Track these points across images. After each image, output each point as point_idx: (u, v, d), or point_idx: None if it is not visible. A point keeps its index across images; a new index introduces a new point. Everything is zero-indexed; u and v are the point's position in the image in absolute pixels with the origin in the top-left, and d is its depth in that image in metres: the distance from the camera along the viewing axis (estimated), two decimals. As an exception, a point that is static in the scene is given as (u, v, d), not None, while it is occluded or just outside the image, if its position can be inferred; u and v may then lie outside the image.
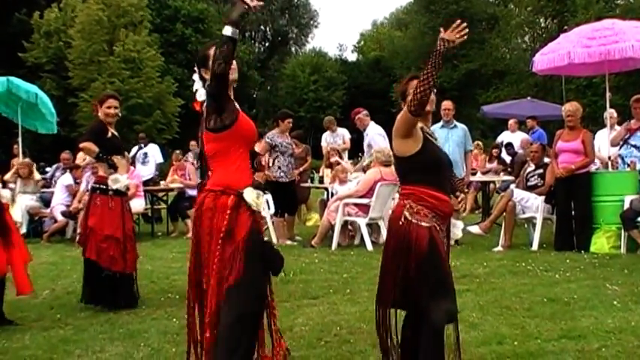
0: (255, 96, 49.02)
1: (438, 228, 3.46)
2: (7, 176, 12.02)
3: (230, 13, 3.36)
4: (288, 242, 9.91)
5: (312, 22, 60.37)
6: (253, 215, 3.39)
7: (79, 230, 10.77)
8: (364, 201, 9.22)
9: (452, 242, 3.83)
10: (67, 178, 11.66)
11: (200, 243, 3.43)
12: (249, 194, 3.34)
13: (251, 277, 3.30)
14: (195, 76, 3.59)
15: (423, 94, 3.31)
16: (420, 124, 3.52)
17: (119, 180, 6.07)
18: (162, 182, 13.26)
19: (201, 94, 3.55)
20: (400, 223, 3.44)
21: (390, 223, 3.66)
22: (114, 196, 6.10)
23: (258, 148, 10.31)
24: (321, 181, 12.83)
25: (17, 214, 10.95)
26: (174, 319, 5.47)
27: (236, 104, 3.50)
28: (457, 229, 3.84)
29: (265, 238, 3.73)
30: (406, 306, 3.54)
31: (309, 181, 13.10)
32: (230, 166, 3.43)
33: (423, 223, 3.40)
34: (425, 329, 3.35)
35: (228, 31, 3.27)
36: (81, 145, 6.23)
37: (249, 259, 3.30)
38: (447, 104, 9.51)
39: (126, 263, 6.09)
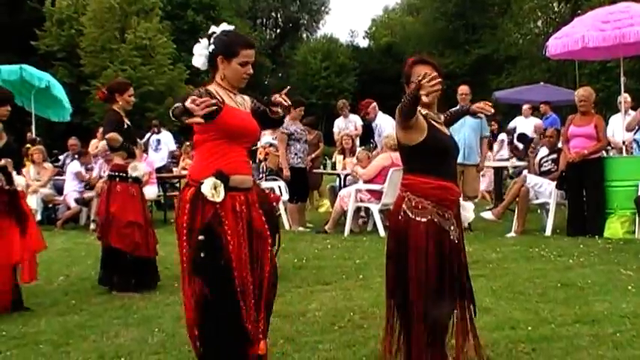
0: (266, 83, 48.96)
1: (439, 219, 3.40)
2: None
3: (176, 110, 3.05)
4: (301, 228, 9.92)
5: (323, 8, 60.19)
6: (217, 205, 3.26)
7: (93, 218, 10.86)
8: (377, 187, 9.21)
9: (465, 225, 3.77)
10: (75, 166, 11.71)
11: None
12: (206, 184, 3.23)
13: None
14: (204, 43, 3.41)
15: (403, 108, 3.27)
16: (424, 111, 3.46)
17: (138, 168, 6.16)
18: (174, 169, 13.31)
19: (196, 61, 3.44)
20: (399, 217, 3.42)
21: (390, 215, 3.65)
22: (133, 184, 6.17)
23: (277, 139, 10.34)
24: (334, 167, 12.81)
25: (32, 201, 11.02)
26: (188, 305, 5.50)
27: (234, 98, 3.42)
28: (467, 211, 3.75)
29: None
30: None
31: (321, 167, 13.08)
32: (202, 158, 3.37)
33: (421, 218, 3.37)
34: (416, 322, 3.35)
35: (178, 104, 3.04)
36: (107, 137, 6.26)
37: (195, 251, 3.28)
38: (463, 89, 9.45)
39: (149, 247, 6.21)
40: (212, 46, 3.39)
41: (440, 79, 3.23)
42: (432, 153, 3.43)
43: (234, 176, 3.33)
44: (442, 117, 3.72)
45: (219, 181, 3.25)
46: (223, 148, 3.34)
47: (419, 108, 3.35)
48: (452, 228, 3.45)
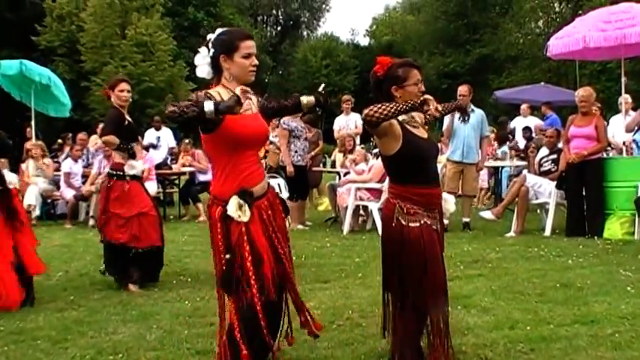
0: (267, 80, 48.93)
1: (430, 221, 3.50)
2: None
3: (227, 102, 3.08)
4: (300, 226, 9.92)
5: (324, 6, 60.12)
6: (250, 223, 3.28)
7: (92, 213, 10.87)
8: (376, 185, 9.20)
9: (446, 216, 3.84)
10: (67, 164, 11.74)
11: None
12: (231, 206, 3.23)
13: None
14: (203, 52, 3.41)
15: (373, 119, 3.29)
16: (401, 117, 3.48)
17: (135, 166, 6.16)
18: (174, 166, 13.30)
19: (202, 71, 3.44)
20: (393, 224, 3.48)
21: (383, 221, 3.69)
22: (131, 181, 6.17)
23: (278, 136, 10.34)
24: (333, 165, 12.81)
25: (31, 197, 11.02)
26: (187, 302, 5.50)
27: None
28: (448, 203, 3.81)
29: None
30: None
31: (320, 165, 13.08)
32: (220, 173, 3.35)
33: (414, 223, 3.44)
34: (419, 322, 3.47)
35: (209, 106, 3.01)
36: (102, 139, 6.34)
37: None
38: (462, 90, 9.43)
39: (157, 235, 6.23)
40: (212, 50, 3.38)
41: (420, 87, 3.51)
42: (409, 161, 3.49)
43: (255, 187, 3.35)
44: (418, 118, 3.70)
45: (242, 201, 3.25)
46: (236, 158, 3.32)
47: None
48: (437, 225, 3.58)
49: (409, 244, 3.42)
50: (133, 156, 6.20)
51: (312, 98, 3.76)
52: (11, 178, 5.67)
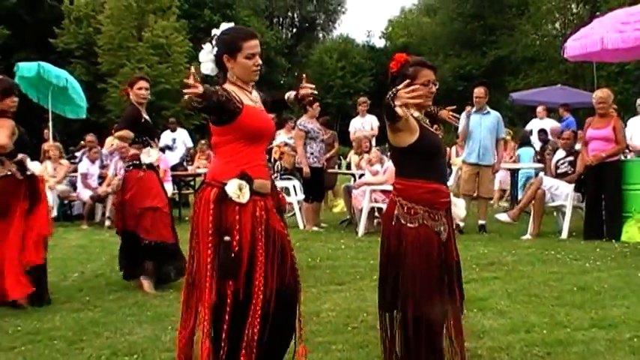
0: (282, 82, 48.97)
1: (430, 222, 3.42)
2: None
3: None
4: (315, 228, 9.91)
5: (339, 8, 60.04)
6: (242, 208, 3.20)
7: (107, 214, 10.92)
8: (391, 188, 9.16)
9: (458, 222, 3.77)
10: (84, 166, 11.81)
11: (191, 236, 3.32)
12: (231, 185, 3.18)
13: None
14: (207, 48, 3.37)
15: (386, 111, 3.26)
16: (416, 113, 3.48)
17: (151, 153, 6.20)
18: (189, 167, 13.35)
19: (205, 68, 3.40)
20: (392, 223, 3.45)
21: (383, 219, 3.66)
22: (147, 170, 6.21)
23: (294, 137, 10.33)
24: (348, 167, 12.79)
25: (48, 197, 11.08)
26: (202, 303, 5.50)
27: (250, 96, 3.35)
28: (459, 208, 3.75)
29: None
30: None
31: (335, 167, 13.07)
32: (223, 159, 3.30)
33: (413, 224, 3.39)
34: (408, 325, 3.35)
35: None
36: (117, 134, 6.37)
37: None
38: (478, 92, 9.39)
39: (169, 232, 6.23)
40: (215, 49, 3.33)
41: (430, 88, 3.44)
42: (423, 154, 3.46)
43: (256, 180, 3.28)
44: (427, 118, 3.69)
45: (244, 182, 3.20)
46: (243, 150, 3.27)
47: (411, 110, 3.40)
48: (442, 229, 3.47)
49: (405, 246, 3.37)
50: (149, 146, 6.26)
51: (292, 93, 3.77)
52: (34, 167, 5.72)
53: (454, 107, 4.23)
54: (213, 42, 3.35)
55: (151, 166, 6.26)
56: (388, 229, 3.48)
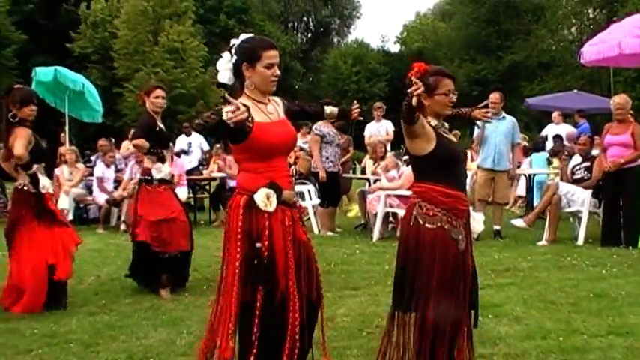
0: (297, 87, 49.06)
1: (448, 227, 3.41)
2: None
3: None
4: (330, 233, 9.91)
5: (354, 12, 60.14)
6: (272, 215, 3.26)
7: (123, 218, 10.98)
8: (406, 193, 9.14)
9: (474, 236, 3.76)
10: (100, 169, 11.88)
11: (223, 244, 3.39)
12: (259, 194, 3.23)
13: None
14: (226, 57, 3.39)
15: (403, 114, 3.26)
16: (434, 122, 3.49)
17: (162, 170, 6.20)
18: (204, 171, 13.38)
19: (223, 77, 3.42)
20: (410, 224, 3.45)
21: (401, 221, 3.66)
22: (159, 185, 6.23)
23: (309, 141, 10.34)
24: (363, 172, 12.78)
25: (64, 201, 11.16)
26: (217, 307, 5.51)
27: (265, 109, 3.35)
28: (477, 222, 3.74)
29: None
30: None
31: (350, 172, 13.06)
32: (247, 171, 3.34)
33: (431, 225, 3.39)
34: (421, 327, 3.33)
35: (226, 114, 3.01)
36: (133, 143, 6.42)
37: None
38: (493, 97, 9.34)
39: (186, 241, 6.27)
40: (234, 57, 3.35)
41: (450, 98, 3.48)
42: (441, 162, 3.46)
43: (283, 191, 3.33)
44: (447, 125, 3.70)
45: (271, 192, 3.25)
46: (265, 165, 3.31)
47: (428, 118, 3.43)
48: (460, 237, 3.45)
49: (422, 246, 3.37)
50: (162, 161, 6.26)
51: (335, 110, 3.80)
52: (45, 183, 5.75)
53: (485, 103, 4.23)
54: (233, 51, 3.37)
55: (162, 181, 6.27)
56: (406, 230, 3.48)
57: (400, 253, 3.50)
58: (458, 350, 3.45)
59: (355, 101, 3.95)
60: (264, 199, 3.23)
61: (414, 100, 3.16)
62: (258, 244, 3.20)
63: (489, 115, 4.14)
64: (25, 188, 5.60)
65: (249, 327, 3.17)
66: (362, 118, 3.91)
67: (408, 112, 3.23)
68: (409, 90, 3.16)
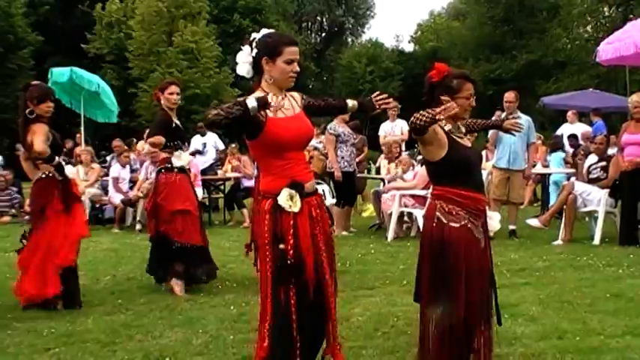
0: (311, 87, 49.07)
1: (471, 226, 3.45)
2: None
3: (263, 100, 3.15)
4: (344, 233, 9.90)
5: (368, 12, 60.06)
6: (298, 216, 3.29)
7: (138, 218, 11.03)
8: (421, 192, 9.14)
9: (491, 234, 3.78)
10: (115, 169, 11.95)
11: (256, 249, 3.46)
12: (282, 195, 3.26)
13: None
14: (246, 50, 3.40)
15: (417, 125, 3.27)
16: (448, 126, 3.50)
17: (182, 157, 6.25)
18: (219, 171, 13.41)
19: (241, 69, 3.44)
20: (433, 224, 3.46)
21: (424, 222, 3.66)
22: (179, 173, 6.26)
23: (324, 141, 10.33)
24: (378, 171, 12.76)
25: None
26: (232, 307, 5.54)
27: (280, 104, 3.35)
28: (494, 221, 3.77)
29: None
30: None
31: (365, 171, 13.05)
32: (267, 172, 3.37)
33: (455, 224, 3.41)
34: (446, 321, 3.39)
35: (252, 102, 3.10)
36: (149, 140, 6.46)
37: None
38: (508, 97, 9.30)
39: (199, 236, 6.29)
40: (255, 50, 3.37)
41: (470, 102, 3.52)
42: (455, 167, 3.48)
43: (305, 184, 3.36)
44: (463, 128, 3.71)
45: (294, 192, 3.27)
46: (282, 161, 3.33)
47: (442, 122, 3.43)
48: (481, 236, 3.51)
49: (449, 244, 3.39)
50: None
51: (356, 103, 3.78)
52: (68, 170, 5.81)
53: (516, 117, 4.30)
54: (253, 44, 3.39)
55: (182, 170, 6.31)
56: (430, 230, 3.50)
57: (425, 252, 3.51)
58: (477, 344, 3.51)
59: (377, 92, 3.88)
60: (288, 199, 3.26)
61: (440, 117, 3.20)
62: (281, 246, 3.24)
63: (519, 127, 4.19)
64: (51, 175, 5.64)
65: (289, 327, 3.22)
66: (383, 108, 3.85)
67: (422, 129, 3.27)
68: (440, 110, 3.20)
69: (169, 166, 6.26)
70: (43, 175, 5.67)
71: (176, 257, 6.19)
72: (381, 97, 3.80)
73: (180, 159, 6.25)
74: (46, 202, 5.64)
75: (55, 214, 5.62)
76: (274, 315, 3.25)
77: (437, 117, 3.19)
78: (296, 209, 3.26)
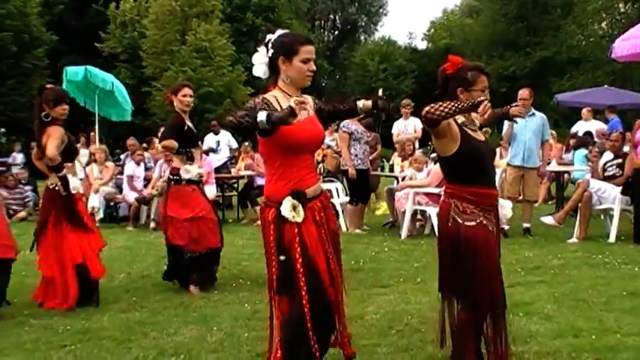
0: (324, 85, 49.08)
1: (486, 221, 3.50)
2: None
3: (281, 114, 3.07)
4: (358, 231, 9.89)
5: (381, 10, 59.97)
6: (302, 224, 3.30)
7: (152, 216, 11.07)
8: (435, 190, 9.11)
9: (503, 222, 3.81)
10: (130, 168, 12.00)
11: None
12: (285, 206, 3.26)
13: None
14: (262, 51, 3.42)
15: (433, 117, 3.30)
16: (460, 119, 3.52)
17: (190, 170, 6.23)
18: (232, 169, 13.44)
19: (257, 71, 3.45)
20: (449, 224, 3.49)
21: (439, 221, 3.69)
22: (187, 184, 6.25)
23: (338, 139, 10.32)
24: (391, 169, 12.73)
25: (95, 199, 11.29)
26: (246, 305, 5.55)
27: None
28: (505, 209, 3.80)
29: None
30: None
31: (378, 169, 13.02)
32: (272, 175, 3.38)
33: (470, 222, 3.45)
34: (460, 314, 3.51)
35: (262, 117, 3.03)
36: (162, 144, 6.47)
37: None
38: (523, 94, 9.22)
39: (216, 238, 6.32)
40: (271, 51, 3.38)
41: (485, 94, 3.50)
42: (467, 162, 3.49)
43: (308, 189, 3.37)
44: (477, 122, 3.71)
45: (296, 202, 3.28)
46: (290, 161, 3.34)
47: (456, 116, 3.44)
48: (493, 228, 3.56)
49: (465, 242, 3.42)
50: (191, 160, 6.28)
51: (369, 102, 3.75)
52: (75, 184, 5.82)
53: (521, 102, 4.28)
54: (269, 45, 3.40)
55: (190, 181, 6.30)
56: (445, 229, 3.53)
57: (445, 249, 3.54)
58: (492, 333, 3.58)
59: (381, 89, 3.88)
60: (291, 210, 3.27)
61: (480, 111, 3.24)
62: (282, 257, 3.27)
63: (523, 113, 4.14)
64: (57, 189, 5.68)
65: (304, 334, 3.23)
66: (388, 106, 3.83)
67: (436, 121, 3.31)
68: (478, 102, 3.23)
69: (178, 178, 6.24)
70: (50, 187, 5.72)
71: (191, 267, 6.21)
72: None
73: (188, 172, 6.23)
74: (48, 216, 5.72)
75: (57, 229, 5.68)
76: (287, 323, 3.31)
77: (479, 112, 3.23)
78: (299, 219, 3.27)
